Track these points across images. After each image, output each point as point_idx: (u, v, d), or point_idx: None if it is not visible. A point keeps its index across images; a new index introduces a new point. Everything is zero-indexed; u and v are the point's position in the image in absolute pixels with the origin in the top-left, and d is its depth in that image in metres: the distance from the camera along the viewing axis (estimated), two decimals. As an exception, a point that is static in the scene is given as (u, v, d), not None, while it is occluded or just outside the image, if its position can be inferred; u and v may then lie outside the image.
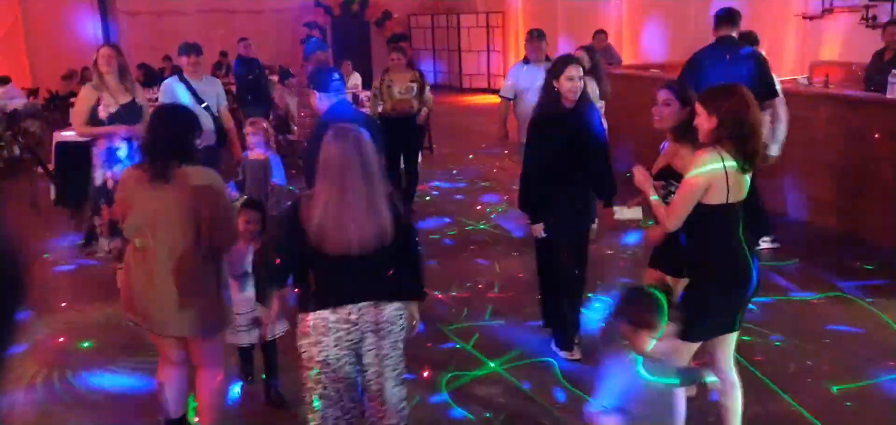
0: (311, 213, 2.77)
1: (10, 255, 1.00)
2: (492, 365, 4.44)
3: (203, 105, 6.29)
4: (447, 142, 11.41)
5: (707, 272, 3.06)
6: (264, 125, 5.74)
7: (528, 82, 6.36)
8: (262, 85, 9.94)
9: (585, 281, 4.58)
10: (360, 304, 2.86)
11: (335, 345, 2.87)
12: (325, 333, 2.86)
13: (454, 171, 9.39)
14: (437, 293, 5.47)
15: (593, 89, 5.95)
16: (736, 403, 3.26)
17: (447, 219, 7.49)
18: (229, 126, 6.56)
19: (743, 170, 2.96)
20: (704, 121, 3.00)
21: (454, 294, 5.54)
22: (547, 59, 6.46)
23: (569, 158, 4.18)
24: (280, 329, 3.93)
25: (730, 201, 2.97)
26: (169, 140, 3.19)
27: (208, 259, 3.22)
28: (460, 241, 6.83)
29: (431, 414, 3.94)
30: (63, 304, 5.59)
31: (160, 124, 3.29)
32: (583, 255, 4.46)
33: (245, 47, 9.95)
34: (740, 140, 2.93)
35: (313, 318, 2.86)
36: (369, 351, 2.93)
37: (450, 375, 4.31)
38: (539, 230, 4.37)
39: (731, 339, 3.22)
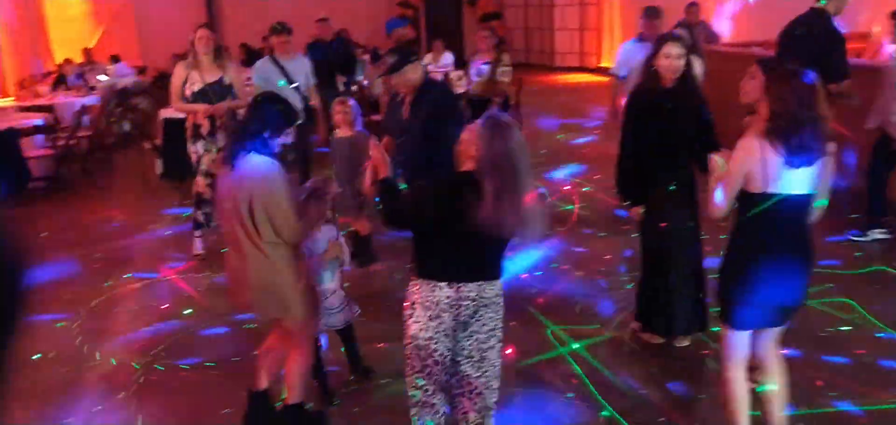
0: (480, 202, 2.80)
1: (10, 262, 1.04)
2: (575, 345, 4.44)
3: (293, 84, 6.48)
4: (537, 121, 11.33)
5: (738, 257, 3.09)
6: (352, 103, 5.88)
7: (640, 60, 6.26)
8: (349, 63, 9.71)
9: (689, 268, 4.37)
10: (476, 282, 2.93)
11: (444, 321, 2.95)
12: (444, 306, 2.94)
13: (542, 151, 9.31)
14: (522, 273, 5.50)
15: (699, 69, 5.74)
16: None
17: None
18: (316, 104, 6.73)
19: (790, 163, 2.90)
20: (762, 106, 2.98)
21: (538, 273, 5.55)
22: None
23: (667, 140, 4.08)
24: (355, 311, 4.04)
25: (770, 191, 2.93)
26: (251, 129, 3.32)
27: (280, 245, 3.33)
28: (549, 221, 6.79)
29: (521, 388, 3.98)
30: (168, 275, 5.91)
31: (252, 110, 3.44)
32: (686, 240, 4.28)
33: (323, 27, 9.35)
34: (786, 133, 2.88)
35: (427, 292, 2.94)
36: (475, 327, 3.00)
37: (535, 359, 4.34)
38: (638, 212, 4.29)
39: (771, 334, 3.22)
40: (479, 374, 3.06)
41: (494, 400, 3.13)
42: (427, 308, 2.97)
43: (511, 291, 4.70)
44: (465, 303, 2.95)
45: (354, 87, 9.53)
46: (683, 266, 4.26)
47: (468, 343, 3.03)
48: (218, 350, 4.57)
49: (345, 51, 9.85)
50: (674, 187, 4.16)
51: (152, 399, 4.09)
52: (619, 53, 6.89)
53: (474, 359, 3.05)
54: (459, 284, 2.93)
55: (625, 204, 4.42)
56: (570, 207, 7.16)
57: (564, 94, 14.67)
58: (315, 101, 6.75)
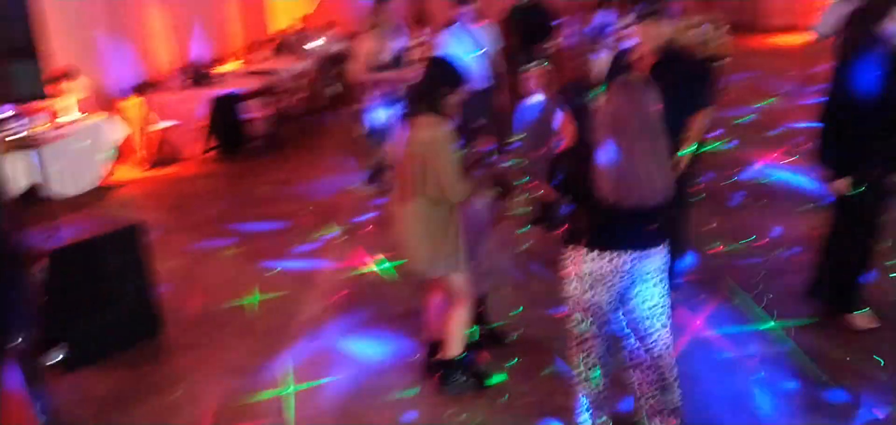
0: (599, 164, 2.84)
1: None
2: (772, 323, 4.23)
3: (479, 51, 6.59)
4: (737, 87, 10.63)
5: None
6: (544, 69, 5.88)
7: None
8: (543, 31, 9.51)
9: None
10: (634, 252, 2.91)
11: (603, 290, 2.97)
12: (598, 276, 2.96)
13: (734, 122, 8.73)
14: (718, 245, 5.28)
15: None
16: None
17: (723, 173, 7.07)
18: (500, 71, 6.80)
19: None
20: None
21: (727, 250, 5.30)
22: None
23: (883, 109, 3.72)
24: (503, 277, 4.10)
25: None
26: (424, 89, 3.51)
27: (442, 204, 3.48)
28: (740, 195, 6.43)
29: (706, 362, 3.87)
30: (368, 228, 6.33)
31: (427, 73, 3.62)
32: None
33: None
34: None
35: (583, 263, 2.97)
36: (635, 298, 2.99)
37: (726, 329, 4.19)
38: (841, 187, 3.96)
39: None
40: (645, 349, 3.02)
41: (673, 376, 3.08)
42: (582, 278, 2.98)
43: (702, 267, 4.56)
44: (620, 274, 2.92)
45: (546, 56, 9.44)
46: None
47: (630, 316, 3.00)
48: (406, 302, 4.84)
49: (540, 18, 9.78)
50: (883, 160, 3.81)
51: (348, 344, 4.43)
52: (828, 12, 6.32)
53: (639, 333, 3.02)
54: (613, 254, 2.91)
55: (828, 175, 4.04)
56: (774, 178, 6.71)
57: (775, 57, 13.62)
58: (500, 69, 6.83)
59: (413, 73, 5.99)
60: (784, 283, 4.70)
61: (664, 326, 3.05)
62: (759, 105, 9.56)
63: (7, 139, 6.40)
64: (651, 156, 2.77)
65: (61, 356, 4.24)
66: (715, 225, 5.66)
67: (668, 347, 3.06)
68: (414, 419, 3.67)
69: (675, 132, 3.93)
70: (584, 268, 2.99)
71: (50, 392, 4.02)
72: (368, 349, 4.35)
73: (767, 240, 5.40)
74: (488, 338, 4.20)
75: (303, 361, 4.28)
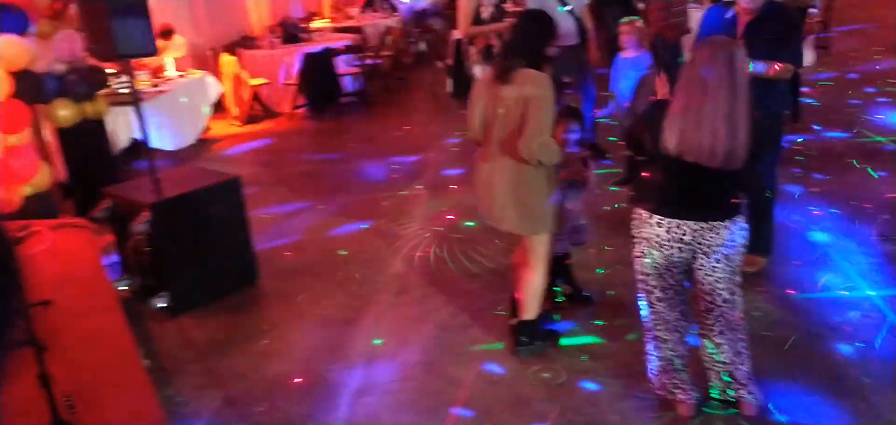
0: (669, 113, 2.79)
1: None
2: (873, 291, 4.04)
3: (567, 7, 6.45)
4: (848, 35, 10.06)
5: None
6: (639, 24, 5.74)
7: None
8: None
9: None
10: (695, 223, 2.83)
11: (660, 258, 2.92)
12: (655, 243, 2.90)
13: (849, 75, 8.27)
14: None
15: None
16: None
17: (837, 130, 6.73)
18: (588, 26, 6.64)
19: None
20: None
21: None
22: None
23: None
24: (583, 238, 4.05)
25: None
26: (521, 43, 3.44)
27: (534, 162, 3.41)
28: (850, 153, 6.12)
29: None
30: (453, 186, 6.36)
31: (519, 27, 3.55)
32: None
33: None
34: None
35: (646, 227, 2.92)
36: (700, 269, 2.91)
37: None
38: None
39: None
40: (712, 323, 2.95)
41: (742, 353, 3.00)
42: (645, 240, 2.91)
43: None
44: (678, 245, 2.84)
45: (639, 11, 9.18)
46: None
47: (696, 287, 2.92)
48: (493, 259, 4.86)
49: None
50: None
51: (437, 296, 4.50)
52: None
53: (701, 308, 2.95)
54: (672, 221, 2.82)
55: None
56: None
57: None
58: (588, 24, 6.68)
59: (504, 27, 5.95)
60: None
61: (727, 302, 2.94)
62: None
63: (113, 95, 6.73)
64: (723, 117, 2.66)
65: (165, 303, 4.46)
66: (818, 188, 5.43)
67: (732, 324, 2.97)
68: (497, 373, 3.70)
69: (768, 91, 3.80)
70: (644, 233, 2.93)
71: (154, 336, 4.25)
72: (455, 303, 4.40)
73: (873, 203, 5.14)
74: (572, 298, 4.17)
75: (389, 314, 4.37)
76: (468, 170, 6.58)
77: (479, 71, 6.22)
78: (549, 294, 3.99)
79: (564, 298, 4.16)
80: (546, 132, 3.34)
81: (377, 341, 4.08)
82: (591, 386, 3.53)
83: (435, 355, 3.91)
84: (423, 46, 12.34)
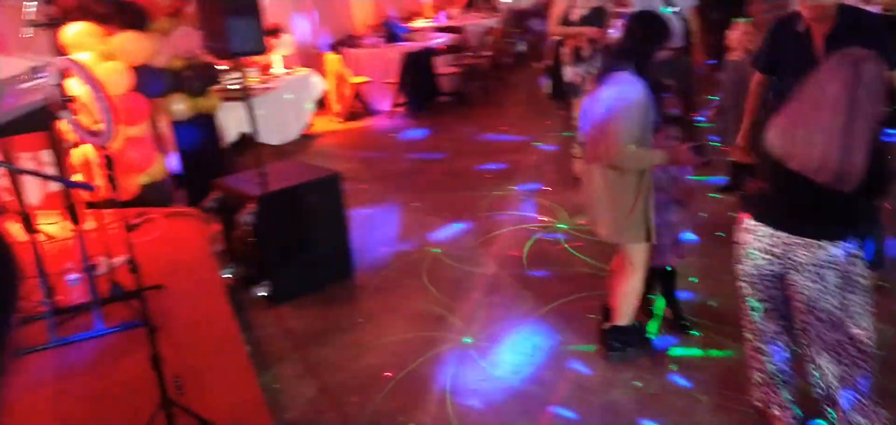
0: (780, 120, 2.68)
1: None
2: None
3: (674, 8, 6.28)
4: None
5: None
6: (748, 26, 5.54)
7: None
8: None
9: None
10: (789, 236, 2.70)
11: (753, 267, 2.81)
12: (751, 251, 2.80)
13: None
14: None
15: None
16: None
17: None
18: (694, 29, 6.44)
19: None
20: None
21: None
22: None
23: None
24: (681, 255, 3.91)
25: None
26: (627, 45, 3.38)
27: (631, 170, 3.37)
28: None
29: None
30: (548, 188, 6.32)
31: (627, 28, 3.47)
32: None
33: None
34: None
35: (745, 234, 2.82)
36: (792, 285, 2.76)
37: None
38: None
39: None
40: (808, 343, 2.79)
41: (851, 380, 2.82)
42: (744, 247, 2.81)
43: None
44: (770, 254, 2.71)
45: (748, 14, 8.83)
46: None
47: (791, 303, 2.78)
48: (588, 263, 4.81)
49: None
50: None
51: (529, 297, 4.50)
52: None
53: (797, 326, 2.81)
54: (767, 229, 2.70)
55: None
56: None
57: None
58: (694, 26, 6.49)
59: (598, 30, 5.85)
60: None
61: (824, 323, 2.77)
62: None
63: (224, 91, 7.04)
64: (837, 133, 2.51)
65: (265, 292, 4.64)
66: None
67: (835, 346, 2.80)
68: (588, 376, 3.67)
69: None
70: (743, 239, 2.84)
71: (255, 324, 4.43)
72: (547, 305, 4.38)
73: None
74: (672, 311, 4.07)
75: (481, 313, 4.39)
76: (564, 172, 6.55)
77: (569, 73, 6.16)
78: (646, 303, 3.91)
79: (662, 313, 4.07)
80: (627, 138, 3.29)
81: (468, 339, 4.11)
82: (684, 396, 3.45)
83: (525, 356, 3.91)
84: (522, 47, 12.31)
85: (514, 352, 3.95)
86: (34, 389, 3.56)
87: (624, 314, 3.71)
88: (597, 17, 5.90)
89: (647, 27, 3.43)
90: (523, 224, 5.65)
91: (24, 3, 3.90)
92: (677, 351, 3.81)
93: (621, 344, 3.76)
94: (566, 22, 6.03)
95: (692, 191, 3.79)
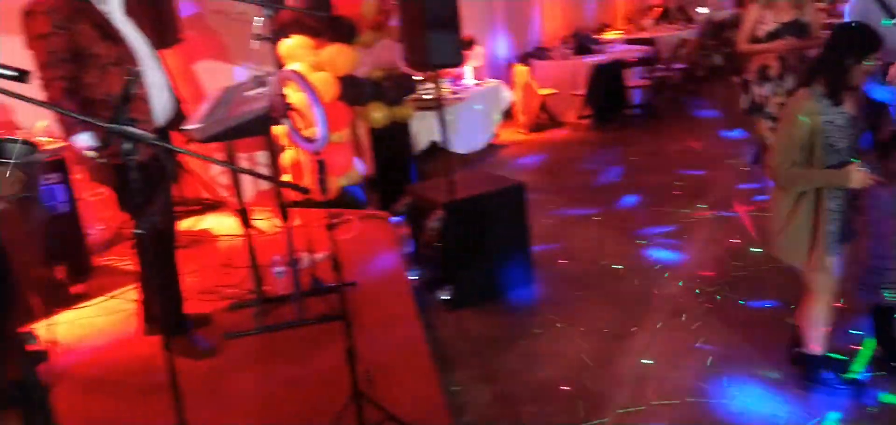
0: None
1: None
2: None
3: (893, 20, 5.73)
4: None
5: None
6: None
7: None
8: None
9: None
10: None
11: None
12: None
13: None
14: None
15: None
16: None
17: None
18: None
19: None
20: None
21: None
22: None
23: None
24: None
25: None
26: (823, 59, 3.21)
27: (809, 190, 3.24)
28: None
29: None
30: (740, 209, 6.04)
31: (827, 41, 3.27)
32: None
33: None
34: None
35: None
36: None
37: None
38: None
39: None
40: None
41: None
42: None
43: None
44: None
45: None
46: None
47: None
48: (783, 291, 4.55)
49: None
50: None
51: (715, 322, 4.34)
52: None
53: None
54: None
55: None
56: None
57: None
58: None
59: (788, 44, 5.48)
60: None
61: None
62: None
63: (418, 100, 7.40)
64: None
65: (448, 296, 4.84)
66: None
67: None
68: (773, 413, 3.48)
69: None
70: None
71: (436, 326, 4.63)
72: (733, 333, 4.20)
73: None
74: (886, 350, 3.76)
75: (662, 335, 4.30)
76: (757, 192, 6.22)
77: (755, 92, 5.83)
78: (854, 338, 3.69)
79: (871, 351, 3.77)
80: (788, 156, 3.19)
81: (647, 361, 4.04)
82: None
83: (707, 384, 3.78)
84: (718, 59, 11.79)
85: (694, 379, 3.84)
86: (242, 370, 3.97)
87: (812, 341, 3.52)
88: (790, 32, 5.54)
89: (848, 38, 3.21)
90: (711, 243, 5.45)
91: (253, 17, 4.33)
92: (887, 398, 3.52)
93: (812, 373, 3.56)
94: (755, 37, 5.72)
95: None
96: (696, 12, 12.35)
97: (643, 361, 4.04)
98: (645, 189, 6.91)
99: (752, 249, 5.22)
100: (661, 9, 12.79)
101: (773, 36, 5.58)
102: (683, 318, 4.46)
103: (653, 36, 11.18)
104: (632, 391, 3.78)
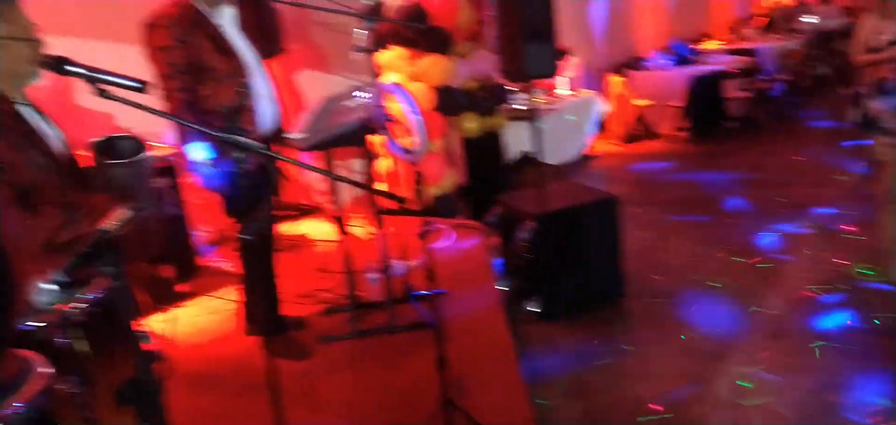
0: None
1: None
2: None
3: None
4: None
5: None
6: None
7: None
8: None
9: None
10: None
11: None
12: None
13: None
14: None
15: None
16: None
17: None
18: None
19: None
20: None
21: None
22: None
23: None
24: None
25: None
26: None
27: None
28: None
29: None
30: (846, 226, 5.77)
31: None
32: None
33: None
34: None
35: None
36: None
37: None
38: None
39: None
40: None
41: None
42: None
43: None
44: None
45: None
46: None
47: None
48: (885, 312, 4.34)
49: None
50: None
51: (812, 345, 4.17)
52: None
53: None
54: None
55: None
56: None
57: None
58: None
59: None
60: None
61: None
62: None
63: (512, 110, 7.42)
64: None
65: (537, 308, 4.83)
66: None
67: None
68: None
69: None
70: None
71: (526, 336, 4.63)
72: (839, 358, 4.02)
73: None
74: None
75: (761, 357, 4.15)
76: (866, 210, 5.91)
77: (871, 106, 5.53)
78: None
79: None
80: None
81: (744, 383, 3.92)
82: None
83: (808, 412, 3.63)
84: (825, 70, 11.28)
85: (795, 407, 3.69)
86: (334, 373, 4.08)
87: None
88: None
89: None
90: (816, 264, 5.22)
91: (353, 29, 4.45)
92: None
93: None
94: (870, 48, 5.44)
95: None
96: (802, 22, 11.85)
97: (740, 383, 3.91)
98: (743, 203, 6.69)
99: (861, 270, 4.98)
100: (766, 19, 12.34)
101: (891, 45, 5.32)
102: (785, 341, 4.29)
103: (754, 46, 10.80)
104: (727, 415, 3.67)
